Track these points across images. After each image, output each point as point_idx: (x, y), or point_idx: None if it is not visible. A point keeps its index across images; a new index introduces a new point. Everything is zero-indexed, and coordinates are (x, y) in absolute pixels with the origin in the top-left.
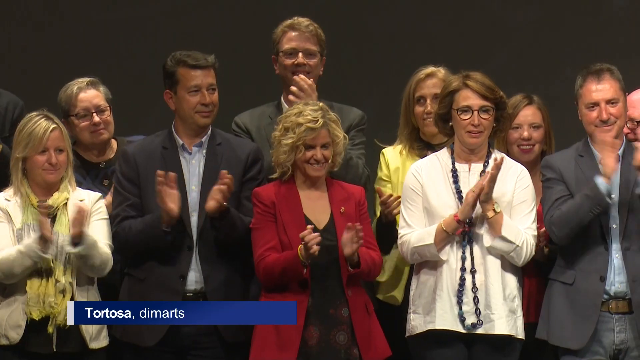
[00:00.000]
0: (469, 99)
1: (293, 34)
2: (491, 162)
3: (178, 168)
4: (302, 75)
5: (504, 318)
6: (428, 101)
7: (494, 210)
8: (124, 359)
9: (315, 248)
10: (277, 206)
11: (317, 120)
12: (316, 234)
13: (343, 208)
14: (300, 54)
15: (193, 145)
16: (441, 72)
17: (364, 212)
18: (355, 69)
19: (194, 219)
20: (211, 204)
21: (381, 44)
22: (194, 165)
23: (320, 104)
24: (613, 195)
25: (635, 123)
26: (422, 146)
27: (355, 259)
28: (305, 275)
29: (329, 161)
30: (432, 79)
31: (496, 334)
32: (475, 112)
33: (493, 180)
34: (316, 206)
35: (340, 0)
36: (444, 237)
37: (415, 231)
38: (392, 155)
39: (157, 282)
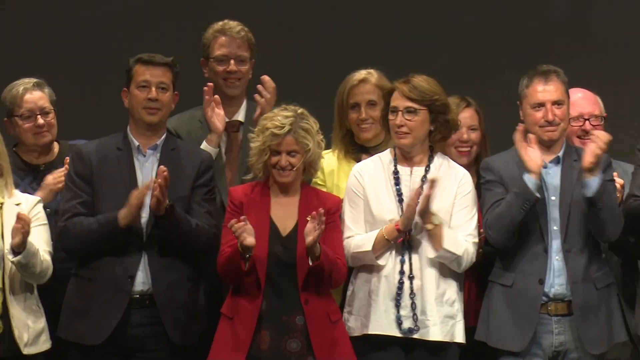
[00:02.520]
0: (397, 99)
1: (224, 39)
2: (432, 167)
3: (132, 169)
4: (266, 77)
5: (439, 324)
6: (362, 108)
7: (433, 223)
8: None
9: (250, 240)
10: (245, 207)
11: (283, 126)
12: (242, 222)
13: (309, 216)
14: (232, 61)
15: (148, 147)
16: (374, 76)
17: (333, 220)
18: (294, 71)
19: (144, 220)
20: (152, 200)
21: (320, 45)
22: (147, 168)
23: (300, 110)
24: (546, 193)
25: (583, 121)
26: (357, 149)
27: (316, 252)
28: (245, 269)
29: (295, 168)
30: (366, 84)
31: (430, 340)
32: (400, 113)
33: (427, 199)
34: (284, 212)
35: (279, 2)
36: (384, 244)
37: (356, 236)
38: (327, 159)
39: (105, 282)
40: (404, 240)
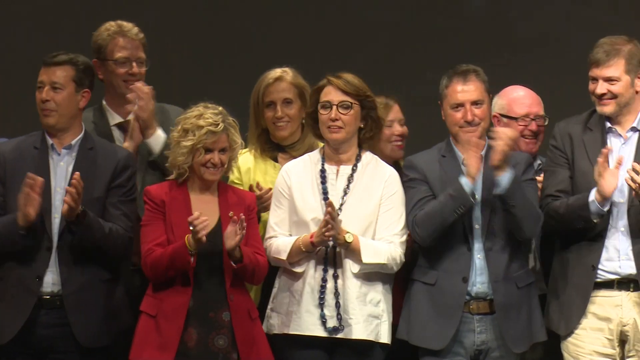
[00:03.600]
0: (330, 94)
1: (123, 40)
2: (360, 166)
3: (46, 169)
4: (137, 84)
5: (362, 323)
6: (278, 106)
7: (346, 240)
8: None
9: (203, 233)
10: (167, 205)
11: (218, 124)
12: (205, 218)
13: (232, 212)
14: (134, 64)
15: (63, 147)
16: (289, 74)
17: (253, 217)
18: (210, 71)
19: (56, 220)
20: (64, 207)
21: (240, 44)
22: (61, 168)
23: (220, 108)
24: (477, 196)
25: (529, 120)
26: (273, 148)
27: (237, 255)
28: (192, 264)
29: (225, 166)
30: (281, 82)
31: (354, 338)
32: (334, 107)
33: (329, 224)
34: (205, 209)
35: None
36: (300, 254)
37: (278, 237)
38: (244, 157)
39: (13, 282)
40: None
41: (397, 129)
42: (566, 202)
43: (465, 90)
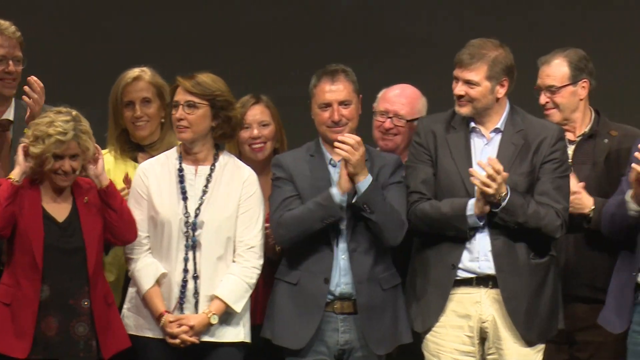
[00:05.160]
0: (179, 94)
1: (0, 38)
2: (218, 166)
3: None
4: (34, 77)
5: (221, 323)
6: (137, 105)
7: (211, 322)
8: None
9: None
10: (20, 192)
11: (67, 132)
12: None
13: (86, 198)
14: (10, 62)
15: None
16: (147, 73)
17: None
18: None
19: None
20: None
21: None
22: None
23: (74, 112)
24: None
25: (385, 117)
26: (132, 148)
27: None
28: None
29: (77, 172)
30: (139, 82)
31: (211, 341)
32: (180, 107)
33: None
34: (57, 198)
35: None
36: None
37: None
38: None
39: None
40: (187, 238)
41: (254, 131)
42: (439, 208)
43: (332, 90)
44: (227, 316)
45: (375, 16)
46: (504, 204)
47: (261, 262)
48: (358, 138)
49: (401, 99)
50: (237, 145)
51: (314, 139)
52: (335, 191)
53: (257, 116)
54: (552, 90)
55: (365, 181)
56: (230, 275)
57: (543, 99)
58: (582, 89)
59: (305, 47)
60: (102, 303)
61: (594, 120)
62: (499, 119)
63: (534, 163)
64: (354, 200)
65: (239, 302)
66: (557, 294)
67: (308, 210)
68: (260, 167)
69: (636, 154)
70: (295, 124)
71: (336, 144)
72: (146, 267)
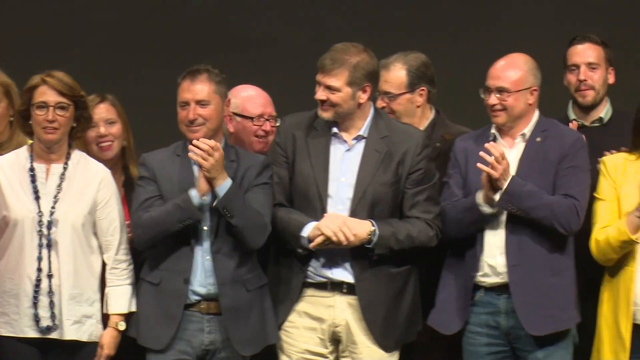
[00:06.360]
0: (46, 94)
1: None
2: (70, 164)
3: None
4: None
5: (75, 324)
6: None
7: (119, 328)
8: None
9: None
10: None
11: None
12: None
13: None
14: None
15: None
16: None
17: None
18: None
19: None
20: None
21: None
22: None
23: None
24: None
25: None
26: None
27: None
28: None
29: None
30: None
31: (65, 339)
32: (51, 108)
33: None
34: None
35: None
36: None
37: None
38: None
39: None
40: (41, 237)
41: (101, 129)
42: (287, 221)
43: (191, 89)
44: (83, 317)
45: (225, 16)
46: (374, 239)
47: (130, 255)
48: (213, 143)
49: (266, 99)
50: (85, 145)
51: (183, 139)
52: (194, 193)
53: (103, 114)
54: (389, 96)
55: (223, 185)
56: (112, 288)
57: (380, 103)
58: (419, 97)
59: (153, 47)
60: None
61: (428, 124)
62: (362, 125)
63: (399, 174)
64: (213, 204)
65: (132, 303)
66: (417, 301)
67: (166, 212)
68: (108, 166)
69: (481, 153)
70: (143, 124)
71: (190, 147)
72: None
